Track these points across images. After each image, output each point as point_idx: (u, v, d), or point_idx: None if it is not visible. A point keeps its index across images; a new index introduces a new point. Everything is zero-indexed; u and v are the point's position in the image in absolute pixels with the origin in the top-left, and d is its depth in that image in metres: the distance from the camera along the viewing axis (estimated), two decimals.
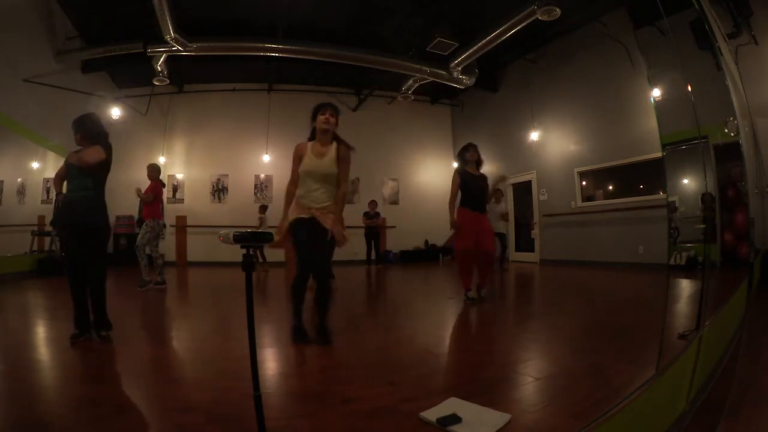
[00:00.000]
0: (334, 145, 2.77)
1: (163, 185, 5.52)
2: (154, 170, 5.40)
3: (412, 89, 8.90)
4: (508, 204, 8.89)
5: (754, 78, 5.40)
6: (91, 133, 2.76)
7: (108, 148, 2.73)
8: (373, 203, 9.06)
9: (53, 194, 2.89)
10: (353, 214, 8.05)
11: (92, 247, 2.65)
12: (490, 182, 4.29)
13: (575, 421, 1.49)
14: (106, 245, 2.82)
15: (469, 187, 4.06)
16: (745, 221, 4.34)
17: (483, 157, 4.29)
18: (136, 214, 9.32)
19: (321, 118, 2.73)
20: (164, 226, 5.49)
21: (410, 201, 11.52)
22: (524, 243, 9.66)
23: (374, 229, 8.88)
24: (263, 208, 9.06)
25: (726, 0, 5.31)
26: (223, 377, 2.08)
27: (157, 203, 5.30)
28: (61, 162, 2.83)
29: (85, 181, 2.65)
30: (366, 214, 8.90)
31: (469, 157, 4.16)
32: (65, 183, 2.74)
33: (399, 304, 4.93)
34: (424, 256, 10.98)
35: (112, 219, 10.29)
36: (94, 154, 2.65)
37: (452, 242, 4.20)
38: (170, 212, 9.83)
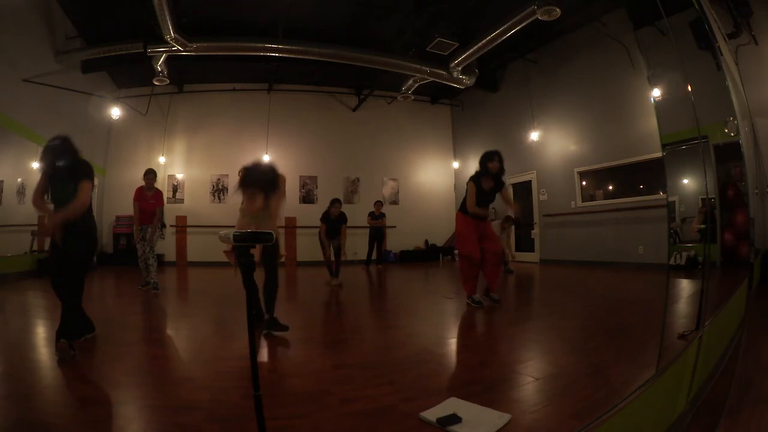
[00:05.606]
0: None
1: (147, 190, 5.05)
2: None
3: (412, 89, 8.89)
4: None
5: (754, 78, 5.39)
6: (73, 163, 2.50)
7: (92, 176, 2.54)
8: (378, 204, 9.04)
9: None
10: (355, 214, 8.04)
11: (77, 255, 2.51)
12: (497, 225, 4.13)
13: (575, 421, 1.49)
14: (92, 255, 2.70)
15: (479, 198, 3.96)
16: (745, 221, 4.34)
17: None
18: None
19: None
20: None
21: (410, 201, 11.52)
22: (524, 243, 9.66)
23: (379, 229, 8.86)
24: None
25: (726, 0, 5.31)
26: (223, 377, 2.08)
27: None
28: None
29: (72, 193, 2.46)
30: (371, 215, 8.88)
31: (490, 167, 3.93)
32: (49, 195, 2.54)
33: (399, 304, 4.93)
34: (424, 256, 10.98)
35: (111, 219, 10.19)
36: (87, 193, 2.44)
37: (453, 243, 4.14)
38: (170, 212, 9.85)
